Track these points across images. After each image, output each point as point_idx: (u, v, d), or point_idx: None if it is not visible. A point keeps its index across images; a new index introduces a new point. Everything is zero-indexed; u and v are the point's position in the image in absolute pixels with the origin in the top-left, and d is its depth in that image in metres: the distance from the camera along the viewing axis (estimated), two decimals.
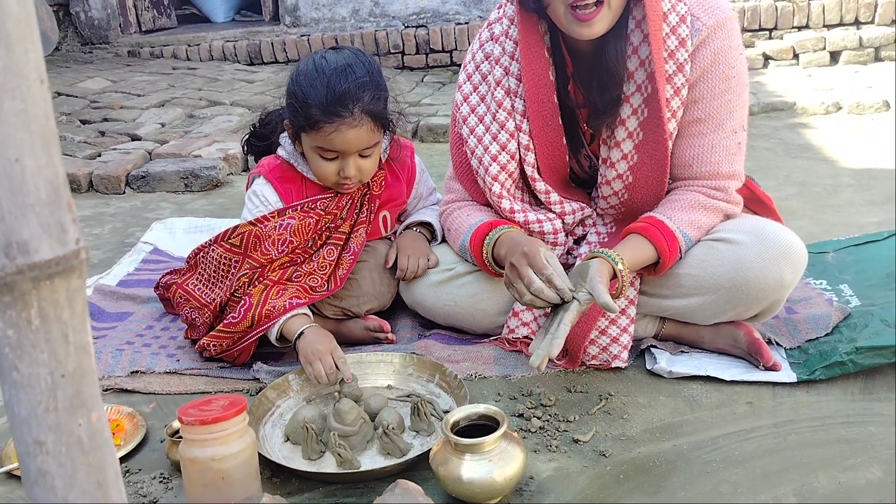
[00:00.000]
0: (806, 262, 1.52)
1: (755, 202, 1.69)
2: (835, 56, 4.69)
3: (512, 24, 1.60)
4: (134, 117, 4.01)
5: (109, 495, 0.59)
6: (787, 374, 1.50)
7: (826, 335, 1.60)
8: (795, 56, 4.74)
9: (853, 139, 3.36)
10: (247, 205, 1.79)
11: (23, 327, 0.53)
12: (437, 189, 2.02)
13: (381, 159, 1.79)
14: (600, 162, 1.64)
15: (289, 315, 1.62)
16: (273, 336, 1.63)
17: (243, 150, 2.00)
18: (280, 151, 1.80)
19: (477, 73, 1.68)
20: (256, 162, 1.89)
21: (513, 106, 1.62)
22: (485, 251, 1.61)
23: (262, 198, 1.76)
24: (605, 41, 1.49)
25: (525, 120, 1.61)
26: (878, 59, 4.65)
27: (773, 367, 1.51)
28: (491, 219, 1.66)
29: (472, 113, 1.68)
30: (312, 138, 1.64)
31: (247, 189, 1.85)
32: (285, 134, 1.78)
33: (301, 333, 1.58)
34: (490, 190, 1.66)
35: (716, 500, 1.19)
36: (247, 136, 1.95)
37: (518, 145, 1.63)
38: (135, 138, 3.66)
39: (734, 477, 1.24)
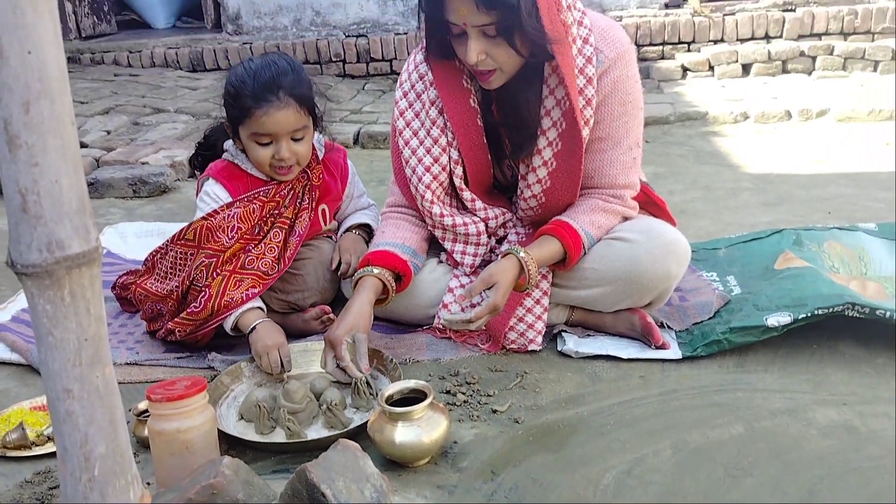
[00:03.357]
0: (689, 256, 1.79)
1: (651, 205, 1.95)
2: (746, 68, 5.06)
3: None
4: (79, 124, 4.10)
5: (118, 430, 0.79)
6: (674, 352, 1.76)
7: (709, 319, 1.86)
8: (711, 68, 5.10)
9: (756, 147, 3.70)
10: (199, 205, 1.95)
11: (57, 303, 0.72)
12: (366, 193, 2.24)
13: (318, 156, 1.99)
14: (519, 178, 1.87)
15: (244, 308, 1.80)
16: (228, 327, 1.81)
17: (191, 165, 2.16)
18: (225, 155, 1.99)
19: (412, 91, 1.89)
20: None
21: (446, 124, 1.83)
22: (351, 282, 1.86)
23: (212, 196, 1.93)
24: (519, 86, 1.72)
25: (455, 138, 1.83)
26: (784, 71, 5.04)
27: (662, 346, 1.77)
28: (378, 249, 1.86)
29: (408, 127, 1.89)
30: (248, 127, 1.84)
31: (197, 194, 2.02)
32: (229, 142, 1.97)
33: (253, 328, 1.77)
34: (423, 197, 1.87)
35: (607, 454, 1.43)
36: (193, 152, 2.12)
37: (449, 159, 1.85)
38: (82, 146, 3.75)
39: (623, 436, 1.48)
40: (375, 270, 1.80)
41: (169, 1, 6.47)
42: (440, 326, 1.91)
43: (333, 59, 5.53)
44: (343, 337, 1.68)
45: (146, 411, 1.50)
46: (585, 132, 1.74)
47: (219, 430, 1.47)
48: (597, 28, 1.74)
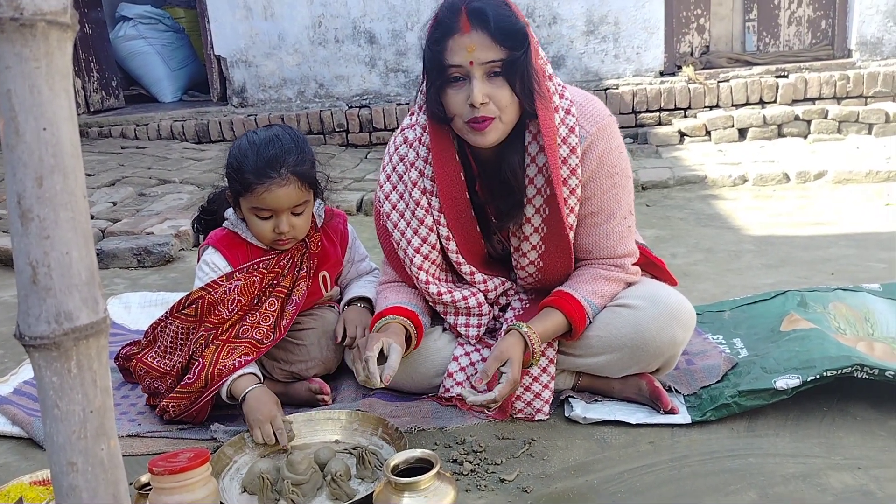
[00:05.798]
0: (694, 321, 1.78)
1: (650, 266, 1.95)
2: (743, 133, 5.15)
3: (424, 131, 1.80)
4: None
5: None
6: (683, 417, 1.74)
7: (717, 382, 1.84)
8: (708, 133, 5.18)
9: (756, 209, 3.73)
10: (198, 274, 1.96)
11: (64, 375, 0.72)
12: (368, 257, 2.24)
13: (316, 224, 2.00)
14: (513, 250, 1.87)
15: (237, 375, 1.78)
16: (223, 394, 1.79)
17: (193, 229, 2.19)
18: (225, 224, 2.00)
19: (394, 173, 1.91)
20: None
21: (429, 204, 1.83)
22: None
23: (211, 265, 1.94)
24: (504, 153, 1.73)
25: (442, 215, 1.83)
26: (780, 135, 5.12)
27: (671, 411, 1.74)
28: (389, 306, 1.87)
29: (394, 209, 1.90)
30: (249, 200, 1.86)
31: (198, 261, 2.03)
32: (230, 210, 1.99)
33: (244, 397, 1.74)
34: (417, 278, 1.87)
35: None
36: (196, 215, 2.15)
37: (438, 237, 1.85)
38: None
39: None
40: (398, 318, 1.81)
41: (176, 76, 6.64)
42: (445, 395, 1.89)
43: (337, 129, 5.64)
44: (381, 338, 1.69)
45: (148, 484, 1.48)
46: (573, 200, 1.74)
47: (221, 503, 1.44)
48: (576, 103, 1.75)
